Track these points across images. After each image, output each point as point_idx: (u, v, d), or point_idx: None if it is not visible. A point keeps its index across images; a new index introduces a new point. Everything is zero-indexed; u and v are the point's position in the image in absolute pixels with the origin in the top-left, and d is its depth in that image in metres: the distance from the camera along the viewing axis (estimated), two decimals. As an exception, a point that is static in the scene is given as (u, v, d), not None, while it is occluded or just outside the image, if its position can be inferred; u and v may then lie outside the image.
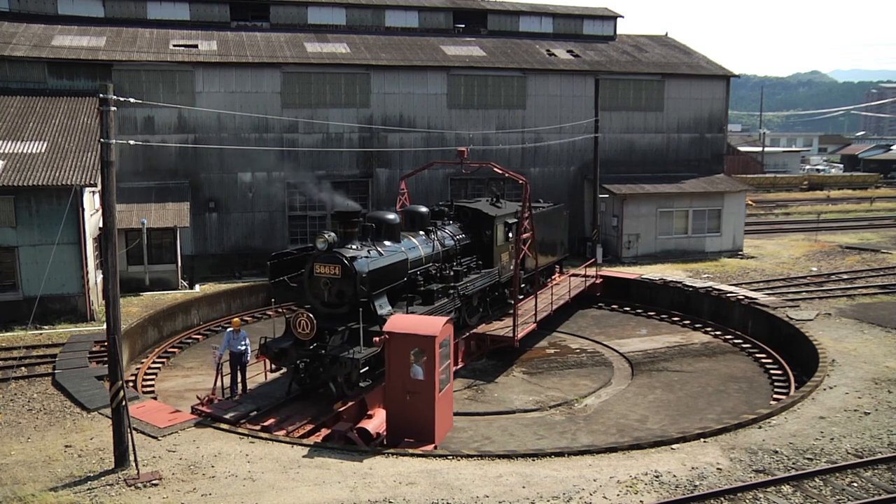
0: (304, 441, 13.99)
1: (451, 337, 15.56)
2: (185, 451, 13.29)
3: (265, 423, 14.70)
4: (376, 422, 15.01)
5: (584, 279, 28.49)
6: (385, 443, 14.80)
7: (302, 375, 16.23)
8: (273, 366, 17.19)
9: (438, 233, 21.39)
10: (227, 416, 14.96)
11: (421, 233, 20.68)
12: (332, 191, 23.77)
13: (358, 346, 15.57)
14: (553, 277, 29.16)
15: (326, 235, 16.52)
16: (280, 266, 17.62)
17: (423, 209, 21.58)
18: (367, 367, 15.74)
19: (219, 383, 16.57)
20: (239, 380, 17.26)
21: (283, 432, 14.39)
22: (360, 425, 14.86)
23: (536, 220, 23.88)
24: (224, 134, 31.35)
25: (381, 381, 16.60)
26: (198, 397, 16.42)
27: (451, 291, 20.09)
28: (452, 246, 21.82)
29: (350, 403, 15.85)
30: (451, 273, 20.77)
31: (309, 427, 15.03)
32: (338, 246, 16.62)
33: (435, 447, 14.33)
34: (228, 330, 17.23)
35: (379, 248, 17.62)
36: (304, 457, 13.09)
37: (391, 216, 19.03)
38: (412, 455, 13.34)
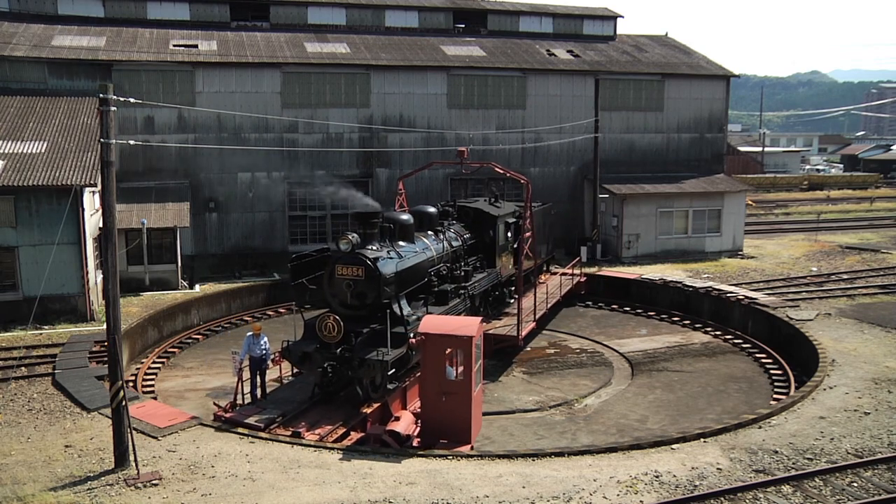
0: (304, 441, 13.96)
1: (482, 337, 15.52)
2: (185, 451, 13.28)
3: (296, 429, 14.49)
4: (404, 423, 14.92)
5: (570, 278, 28.79)
6: (415, 444, 14.69)
7: (330, 378, 15.88)
8: (295, 369, 17.00)
9: (447, 233, 21.38)
10: (252, 422, 14.62)
11: (430, 233, 20.62)
12: (351, 190, 23.66)
13: (384, 348, 15.43)
14: (540, 277, 29.27)
15: (350, 236, 16.30)
16: (300, 268, 17.43)
17: (432, 209, 21.49)
18: (393, 370, 15.67)
19: (234, 387, 16.28)
20: (258, 384, 16.78)
21: (317, 437, 14.26)
22: (390, 427, 14.72)
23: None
24: (224, 134, 31.35)
25: (401, 383, 16.59)
26: (215, 404, 16.22)
27: (462, 292, 20.09)
28: (460, 246, 21.84)
29: (376, 406, 15.78)
30: (462, 273, 20.78)
31: (341, 431, 14.86)
32: (359, 247, 16.46)
33: (471, 448, 14.27)
34: (249, 334, 16.71)
35: (398, 249, 17.52)
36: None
37: (405, 217, 18.93)
38: (412, 455, 13.35)
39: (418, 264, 17.98)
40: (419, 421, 15.34)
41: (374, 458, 13.21)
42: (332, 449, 13.58)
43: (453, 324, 14.94)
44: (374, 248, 16.74)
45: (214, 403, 16.25)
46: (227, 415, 15.10)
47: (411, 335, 16.00)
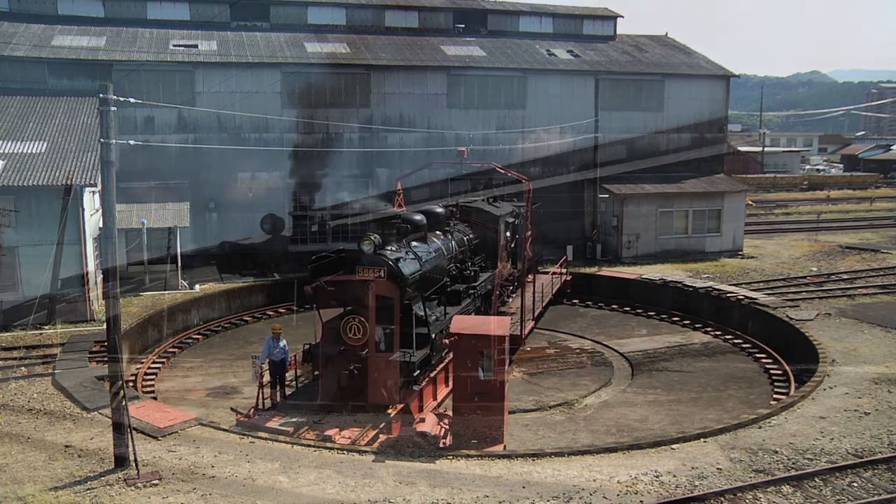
0: (304, 441, 13.96)
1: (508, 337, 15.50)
2: (185, 451, 13.28)
3: (325, 432, 14.41)
4: (430, 423, 14.88)
5: (559, 277, 28.94)
6: (445, 444, 14.61)
7: (354, 381, 15.75)
8: (314, 371, 16.97)
9: (454, 233, 21.36)
10: (278, 427, 14.50)
11: (438, 233, 20.56)
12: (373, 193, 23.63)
13: (409, 349, 15.38)
14: (528, 276, 29.32)
15: (372, 237, 16.14)
16: (319, 269, 17.34)
17: (440, 209, 21.36)
18: (418, 371, 15.59)
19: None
20: (277, 388, 16.66)
21: (348, 440, 14.21)
22: (419, 429, 14.62)
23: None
24: (224, 134, 31.33)
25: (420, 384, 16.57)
26: (232, 409, 16.13)
27: (472, 291, 20.09)
28: (466, 246, 21.82)
29: (399, 407, 15.75)
30: (471, 273, 20.79)
31: (371, 433, 14.80)
32: (379, 248, 16.37)
33: (504, 447, 14.22)
34: (268, 337, 16.56)
35: (415, 250, 17.46)
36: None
37: (419, 217, 18.88)
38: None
39: (438, 265, 17.97)
40: (443, 421, 15.32)
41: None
42: (332, 449, 13.58)
43: (484, 323, 14.95)
44: (393, 248, 16.69)
45: (232, 409, 16.16)
46: (250, 420, 15.01)
47: (433, 335, 15.97)
